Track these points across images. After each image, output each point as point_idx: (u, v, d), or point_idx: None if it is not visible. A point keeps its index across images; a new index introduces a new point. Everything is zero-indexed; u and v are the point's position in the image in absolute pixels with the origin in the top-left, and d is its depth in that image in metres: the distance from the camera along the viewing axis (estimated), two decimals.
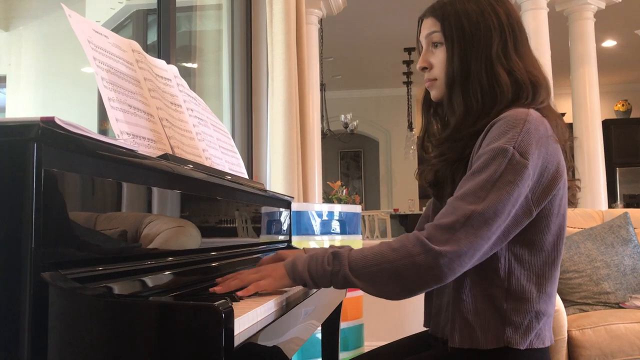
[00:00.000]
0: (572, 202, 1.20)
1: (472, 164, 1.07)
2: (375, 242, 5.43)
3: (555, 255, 1.12)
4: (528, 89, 1.12)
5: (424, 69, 1.21)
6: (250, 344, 0.84)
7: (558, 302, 2.13)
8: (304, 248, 1.41)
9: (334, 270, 1.06)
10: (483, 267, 1.08)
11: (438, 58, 1.18)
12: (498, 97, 1.12)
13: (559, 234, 1.12)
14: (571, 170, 1.19)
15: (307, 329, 1.31)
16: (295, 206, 2.44)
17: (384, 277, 1.02)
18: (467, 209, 0.99)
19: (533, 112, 1.07)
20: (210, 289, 1.06)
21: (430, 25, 1.19)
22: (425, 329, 1.30)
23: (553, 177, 1.06)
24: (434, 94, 1.22)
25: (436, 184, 1.20)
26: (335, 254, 1.07)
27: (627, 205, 8.17)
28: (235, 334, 0.76)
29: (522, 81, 1.12)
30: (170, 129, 1.25)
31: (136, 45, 1.27)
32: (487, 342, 1.07)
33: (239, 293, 1.05)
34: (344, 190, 6.17)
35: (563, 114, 7.94)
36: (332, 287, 1.09)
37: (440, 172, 1.17)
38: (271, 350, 0.96)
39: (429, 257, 0.98)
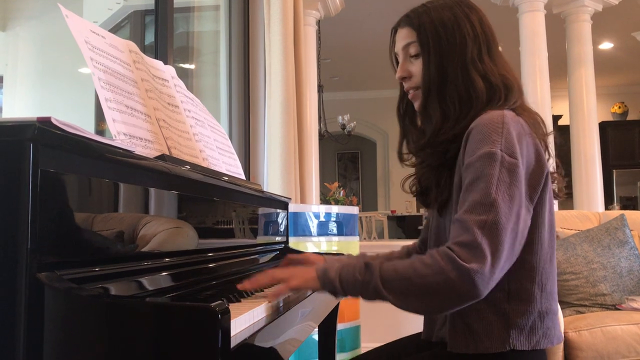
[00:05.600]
0: (558, 195, 1.22)
1: (460, 172, 1.08)
2: (373, 243, 5.43)
3: (551, 252, 1.13)
4: (501, 91, 1.14)
5: (403, 78, 1.23)
6: (246, 345, 0.84)
7: None
8: (324, 255, 1.43)
9: (364, 280, 1.03)
10: None
11: (418, 67, 1.19)
12: (474, 101, 1.13)
13: (550, 229, 1.13)
14: (552, 164, 1.20)
15: (304, 330, 1.31)
16: (292, 207, 2.44)
17: (415, 291, 1.00)
18: (480, 221, 0.98)
19: (507, 113, 1.08)
20: (238, 286, 1.09)
21: (406, 36, 1.20)
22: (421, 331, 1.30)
23: (537, 171, 1.08)
24: (417, 104, 1.22)
25: (421, 192, 1.22)
26: (367, 264, 1.05)
27: (623, 207, 8.19)
28: (231, 335, 0.76)
29: (495, 84, 1.14)
30: (167, 130, 1.25)
31: (133, 46, 1.27)
32: (492, 346, 1.07)
33: (269, 292, 1.07)
34: (341, 192, 6.17)
35: (560, 116, 7.98)
36: (361, 298, 1.07)
37: (424, 178, 1.19)
38: (268, 351, 0.96)
39: (464, 276, 0.96)
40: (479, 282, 0.96)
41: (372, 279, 1.03)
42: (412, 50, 1.19)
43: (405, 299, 1.01)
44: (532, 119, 1.14)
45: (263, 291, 1.21)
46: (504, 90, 1.14)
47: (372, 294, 1.04)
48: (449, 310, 1.03)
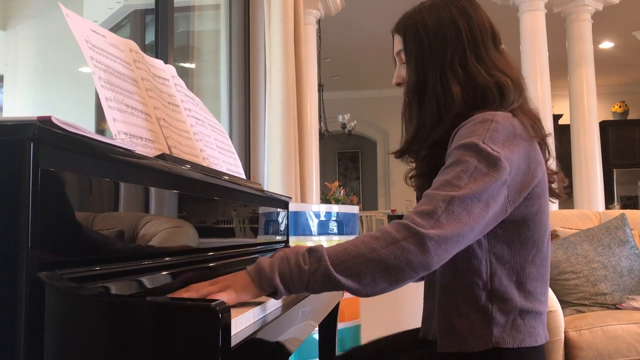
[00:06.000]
0: (559, 195, 1.22)
1: None
2: None
3: (535, 253, 1.11)
4: (493, 92, 1.12)
5: (399, 84, 1.23)
6: (247, 345, 0.84)
7: (555, 303, 2.13)
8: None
9: (311, 268, 0.93)
10: (465, 271, 1.08)
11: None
12: (450, 107, 1.12)
13: (540, 233, 1.11)
14: (553, 164, 1.20)
15: (304, 329, 1.31)
16: (292, 207, 2.44)
17: (369, 268, 0.93)
18: (446, 195, 0.97)
19: (500, 113, 1.08)
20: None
21: (397, 42, 1.22)
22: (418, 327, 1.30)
23: (525, 176, 1.06)
24: None
25: (422, 189, 1.21)
26: (311, 250, 0.96)
27: (624, 207, 8.19)
28: (232, 334, 0.76)
29: (483, 86, 1.12)
30: (167, 129, 1.25)
31: (134, 45, 1.27)
32: (475, 345, 1.07)
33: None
34: (342, 191, 6.18)
35: (560, 116, 7.98)
36: (306, 292, 0.97)
37: (421, 187, 1.19)
38: (268, 350, 0.96)
39: (417, 241, 0.93)
40: (431, 248, 0.93)
41: (319, 265, 0.93)
42: (402, 55, 1.20)
43: (358, 278, 0.93)
44: (531, 121, 1.12)
45: None
46: (497, 91, 1.12)
47: (321, 282, 0.94)
48: (403, 283, 0.96)
